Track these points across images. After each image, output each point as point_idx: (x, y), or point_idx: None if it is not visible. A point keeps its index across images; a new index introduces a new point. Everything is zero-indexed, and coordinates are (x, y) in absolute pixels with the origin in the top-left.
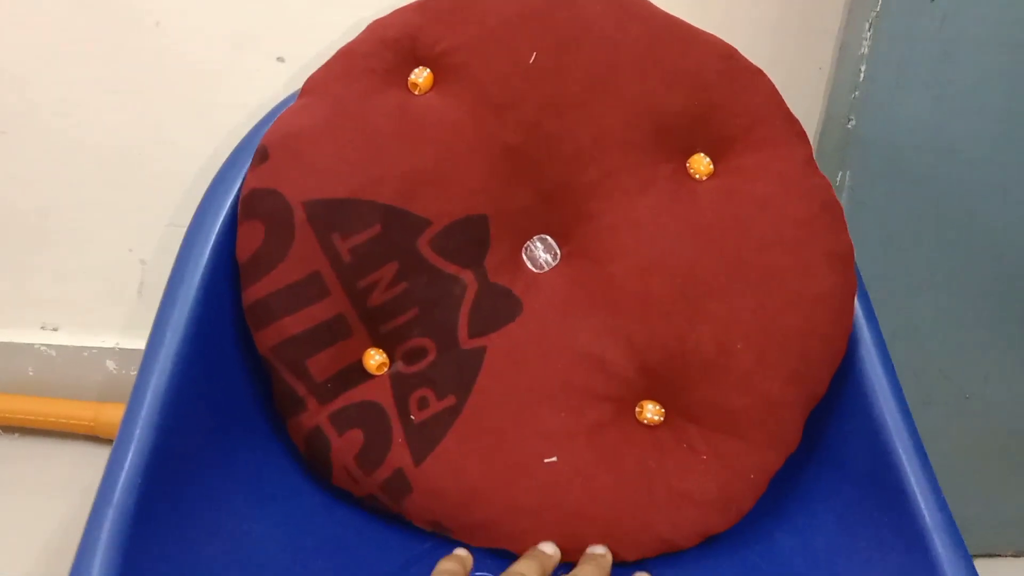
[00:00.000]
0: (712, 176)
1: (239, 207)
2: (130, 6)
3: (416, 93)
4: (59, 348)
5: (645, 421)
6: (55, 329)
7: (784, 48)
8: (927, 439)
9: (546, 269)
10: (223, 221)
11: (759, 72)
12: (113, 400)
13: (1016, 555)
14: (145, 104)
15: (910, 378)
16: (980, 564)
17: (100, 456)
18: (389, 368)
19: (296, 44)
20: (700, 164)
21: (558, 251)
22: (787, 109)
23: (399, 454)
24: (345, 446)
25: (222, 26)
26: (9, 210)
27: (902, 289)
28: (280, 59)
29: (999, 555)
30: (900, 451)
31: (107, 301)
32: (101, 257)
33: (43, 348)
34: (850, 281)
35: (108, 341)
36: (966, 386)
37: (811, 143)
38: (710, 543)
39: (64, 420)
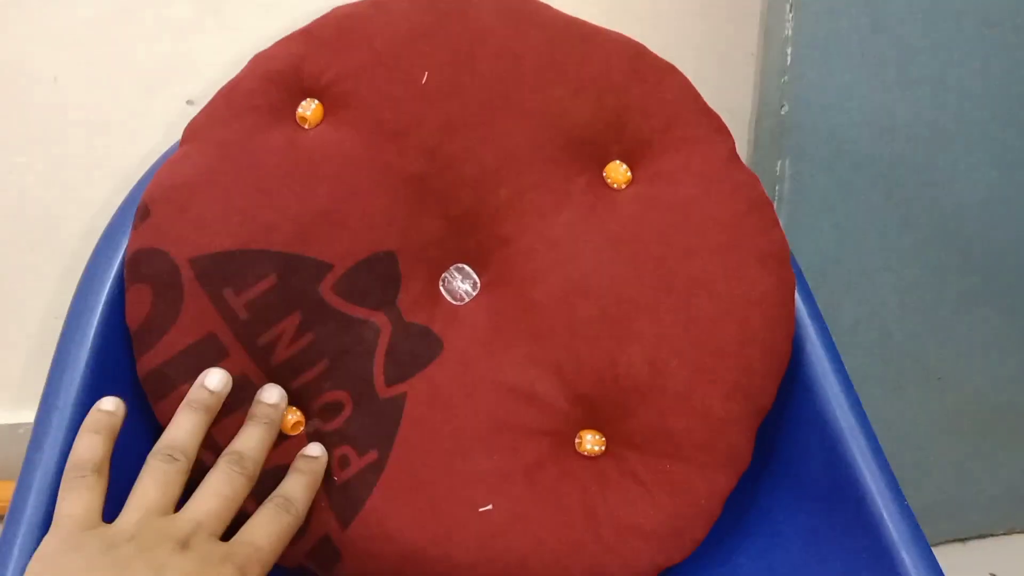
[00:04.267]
0: (631, 184)
1: (125, 269)
2: (24, 61)
3: (306, 127)
4: None
5: (585, 452)
6: None
7: (713, 36)
8: (903, 425)
9: (466, 300)
10: (111, 286)
11: (671, 68)
12: None
13: (1008, 533)
14: (53, 163)
15: (879, 365)
16: (972, 546)
17: None
18: (306, 426)
19: (204, 84)
20: (617, 172)
21: (477, 280)
22: (704, 104)
23: (324, 519)
24: None
25: (124, 74)
26: None
27: (860, 275)
28: (190, 102)
29: (991, 535)
30: (858, 458)
31: (37, 373)
32: (27, 327)
33: None
34: (787, 281)
35: (28, 414)
36: (937, 367)
37: (747, 133)
38: None
39: (2, 503)
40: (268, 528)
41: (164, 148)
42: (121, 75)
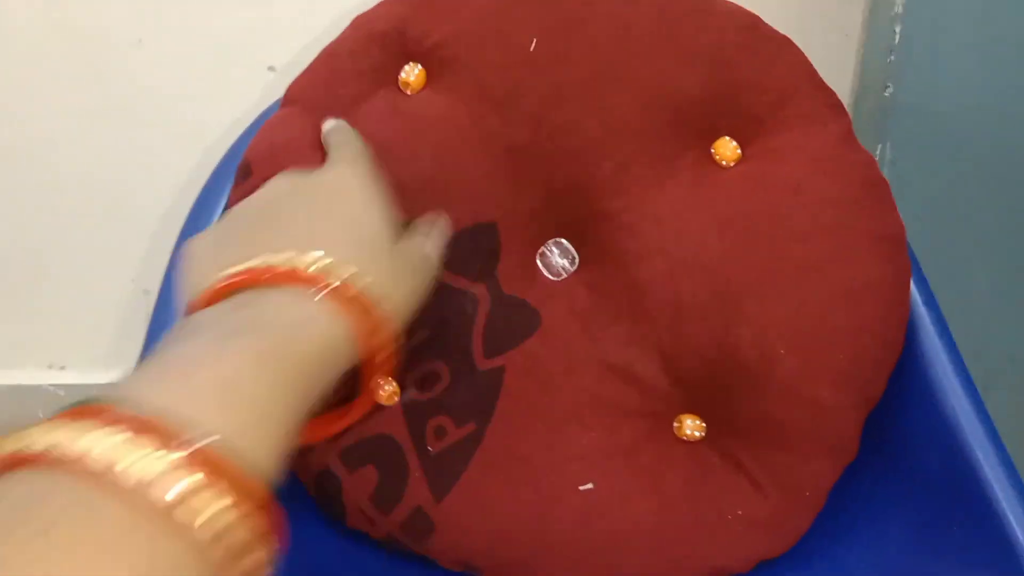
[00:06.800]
0: (740, 161)
1: None
2: (108, 27)
3: (408, 92)
4: (68, 387)
5: (685, 437)
6: (63, 368)
7: (805, 15)
8: (995, 423)
9: (564, 276)
10: None
11: (786, 41)
12: None
13: None
14: (134, 128)
15: (971, 362)
16: None
17: None
18: (401, 396)
19: (286, 51)
20: (726, 149)
21: (575, 255)
22: (820, 80)
23: (417, 490)
24: (358, 485)
25: (207, 39)
26: (4, 251)
27: (956, 267)
28: (271, 68)
29: None
30: (976, 449)
31: (113, 335)
32: (103, 290)
33: (51, 388)
34: (902, 267)
35: (117, 376)
36: None
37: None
38: (767, 567)
39: None
40: None
41: (242, 113)
42: (202, 41)
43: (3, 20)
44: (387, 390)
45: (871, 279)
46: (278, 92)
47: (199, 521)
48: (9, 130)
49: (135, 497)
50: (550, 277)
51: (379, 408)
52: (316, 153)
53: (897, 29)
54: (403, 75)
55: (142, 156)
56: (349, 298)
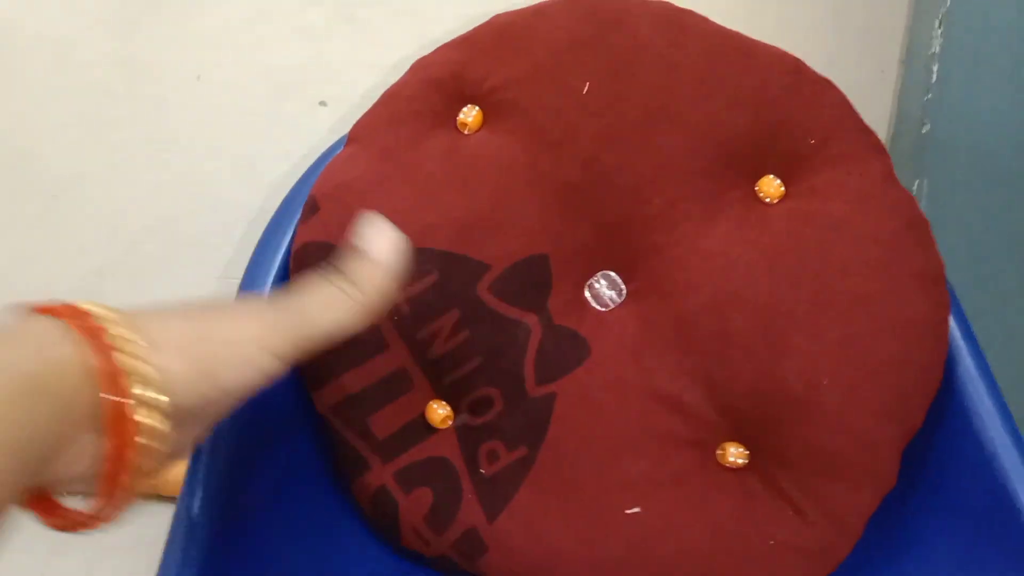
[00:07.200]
0: (784, 198)
1: (291, 261)
2: (169, 63)
3: (466, 133)
4: None
5: (728, 464)
6: None
7: (843, 53)
8: None
9: (612, 307)
10: (275, 275)
11: (827, 83)
12: None
13: None
14: (192, 160)
15: (1013, 395)
16: None
17: (163, 515)
18: (454, 421)
19: (337, 87)
20: (770, 187)
21: (623, 287)
22: (861, 121)
23: (471, 511)
24: (413, 505)
25: (261, 75)
26: (65, 273)
27: (994, 302)
28: (322, 103)
29: None
30: (1013, 480)
31: None
32: None
33: None
34: (943, 302)
35: None
36: None
37: None
38: None
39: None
40: None
41: (296, 148)
42: (257, 77)
43: (71, 56)
44: (441, 413)
45: (913, 314)
46: (330, 126)
47: None
48: (75, 159)
49: None
50: (598, 308)
51: (433, 431)
52: (378, 190)
53: (934, 68)
54: (461, 116)
55: (199, 188)
56: (94, 331)
